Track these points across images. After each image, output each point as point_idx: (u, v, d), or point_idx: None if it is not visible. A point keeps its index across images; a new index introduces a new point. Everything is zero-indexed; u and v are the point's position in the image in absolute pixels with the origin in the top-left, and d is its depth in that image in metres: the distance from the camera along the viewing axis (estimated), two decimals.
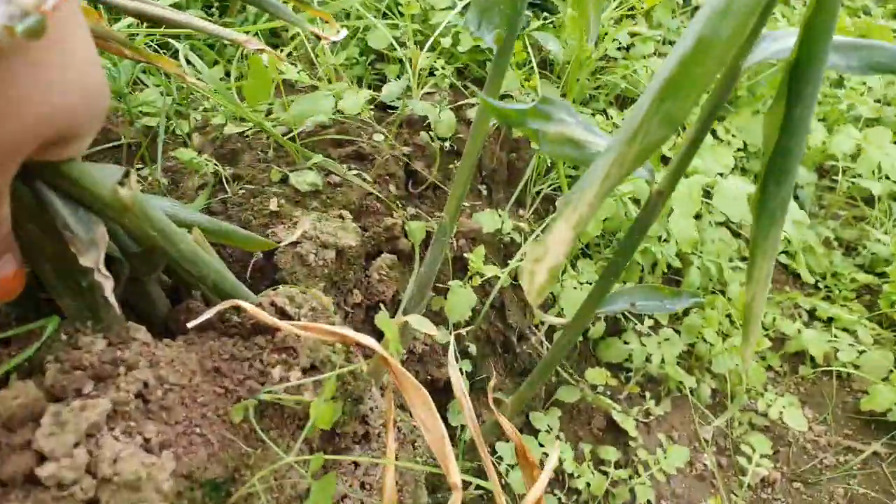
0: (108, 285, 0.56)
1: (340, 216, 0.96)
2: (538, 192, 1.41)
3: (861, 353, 1.72)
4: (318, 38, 0.90)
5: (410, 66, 1.19)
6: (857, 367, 1.71)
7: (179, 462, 0.59)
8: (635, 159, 0.49)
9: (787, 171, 0.59)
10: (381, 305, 1.06)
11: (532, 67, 1.25)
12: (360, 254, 0.99)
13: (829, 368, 1.72)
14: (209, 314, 0.63)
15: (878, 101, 2.64)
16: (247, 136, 1.22)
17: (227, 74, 1.39)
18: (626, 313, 1.60)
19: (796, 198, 2.34)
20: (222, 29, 0.84)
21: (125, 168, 0.59)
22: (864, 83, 2.52)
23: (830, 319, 1.85)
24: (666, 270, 1.76)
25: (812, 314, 1.89)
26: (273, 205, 0.94)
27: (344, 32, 0.83)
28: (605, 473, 1.40)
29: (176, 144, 1.21)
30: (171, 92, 1.30)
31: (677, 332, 1.74)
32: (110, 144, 1.19)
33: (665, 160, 1.62)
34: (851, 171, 2.17)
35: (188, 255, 0.63)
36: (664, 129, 0.48)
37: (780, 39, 0.65)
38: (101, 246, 0.56)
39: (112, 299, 0.57)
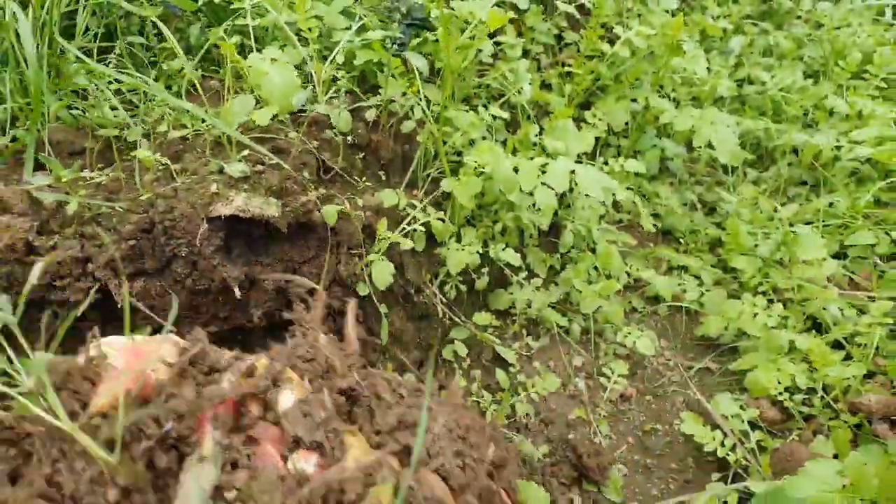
0: None
1: (266, 194, 1.36)
2: (428, 176, 1.83)
3: (704, 292, 2.23)
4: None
5: (315, 77, 1.59)
6: (701, 304, 2.21)
7: None
8: None
9: None
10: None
11: (414, 77, 1.66)
12: (282, 224, 1.40)
13: (679, 304, 2.22)
14: None
15: (740, 81, 3.19)
16: (187, 139, 1.61)
17: (169, 87, 1.76)
18: (510, 268, 2.05)
19: (668, 168, 2.85)
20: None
21: None
22: (733, 66, 3.08)
23: (683, 267, 2.35)
24: (538, 235, 2.23)
25: (670, 264, 2.39)
26: (213, 188, 1.33)
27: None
28: (492, 393, 1.86)
29: (129, 148, 1.58)
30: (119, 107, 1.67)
31: (556, 283, 2.20)
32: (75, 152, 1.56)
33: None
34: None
35: None
36: None
37: None
38: None
39: None
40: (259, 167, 1.44)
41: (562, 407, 1.93)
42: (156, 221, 1.36)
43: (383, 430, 1.15)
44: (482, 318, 1.92)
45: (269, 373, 1.08)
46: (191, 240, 1.35)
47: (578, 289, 2.10)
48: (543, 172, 1.53)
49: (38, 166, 1.48)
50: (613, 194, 2.30)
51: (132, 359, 0.94)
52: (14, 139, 1.51)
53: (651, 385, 2.04)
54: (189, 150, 1.54)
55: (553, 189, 1.52)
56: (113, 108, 1.65)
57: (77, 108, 1.64)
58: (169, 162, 1.44)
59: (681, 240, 2.53)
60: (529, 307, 2.06)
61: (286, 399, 1.07)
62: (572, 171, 1.54)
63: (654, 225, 2.57)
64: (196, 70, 1.72)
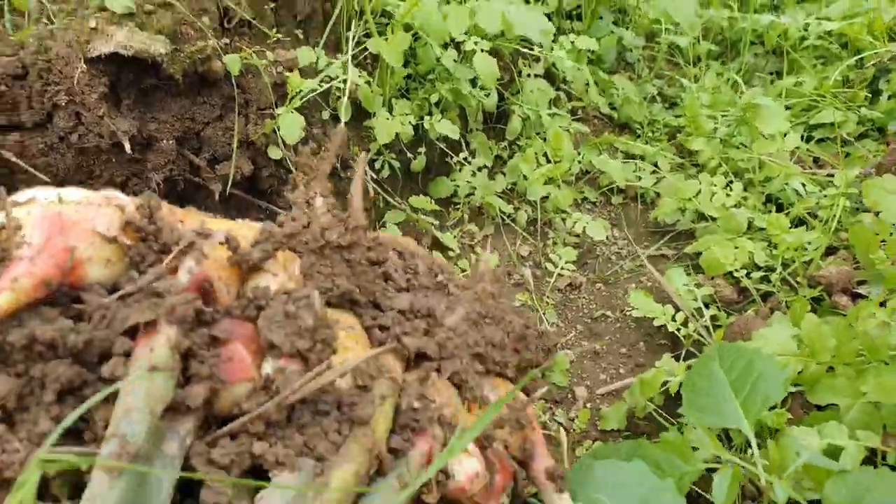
0: None
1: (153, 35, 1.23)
2: (353, 37, 1.70)
3: (660, 179, 2.16)
4: None
5: None
6: (657, 192, 2.15)
7: None
8: None
9: None
10: None
11: None
12: (176, 70, 1.27)
13: (634, 185, 2.15)
14: None
15: None
16: None
17: None
18: (449, 145, 1.94)
19: (626, 61, 2.75)
20: None
21: None
22: None
23: (640, 157, 2.27)
24: (484, 121, 2.12)
25: (626, 153, 2.31)
26: (92, 23, 1.19)
27: None
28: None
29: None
30: None
31: (503, 174, 2.11)
32: None
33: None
34: (670, 31, 2.60)
35: None
36: None
37: None
38: None
39: None
40: (149, 7, 1.30)
41: (506, 294, 1.86)
42: (28, 65, 1.22)
43: (388, 323, 1.01)
44: (420, 201, 1.83)
45: (248, 254, 0.89)
46: (71, 86, 1.23)
47: (525, 175, 2.01)
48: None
49: None
50: (565, 74, 2.20)
51: (55, 232, 0.71)
52: None
53: (602, 273, 1.98)
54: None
55: (487, 29, 1.41)
56: None
57: None
58: (45, 2, 1.29)
59: (638, 131, 2.45)
60: (473, 194, 1.97)
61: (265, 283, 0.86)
62: (505, 13, 1.43)
63: (610, 117, 2.48)
64: None
